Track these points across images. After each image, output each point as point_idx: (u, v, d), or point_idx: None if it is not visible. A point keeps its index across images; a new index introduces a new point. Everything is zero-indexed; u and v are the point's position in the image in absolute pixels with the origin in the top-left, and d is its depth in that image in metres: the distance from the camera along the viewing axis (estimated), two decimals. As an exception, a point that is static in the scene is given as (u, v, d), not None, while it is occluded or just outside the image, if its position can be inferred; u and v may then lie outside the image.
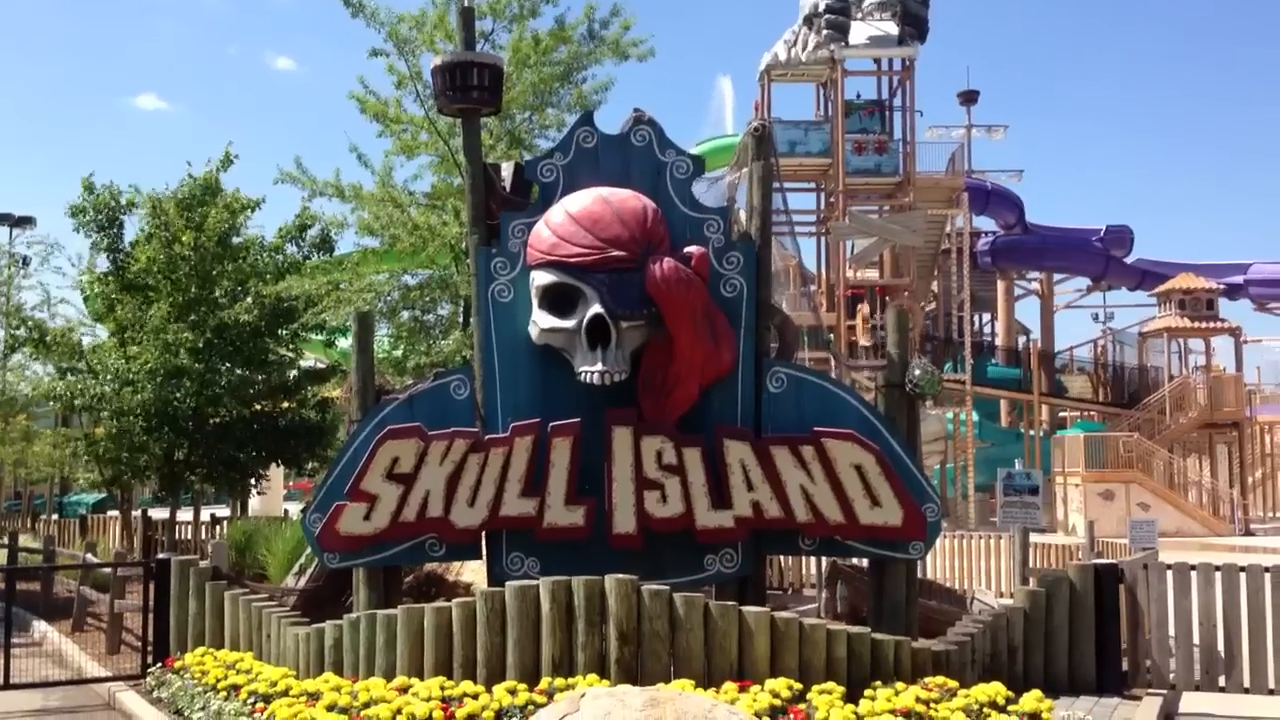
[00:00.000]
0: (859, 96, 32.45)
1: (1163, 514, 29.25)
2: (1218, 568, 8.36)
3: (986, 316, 41.85)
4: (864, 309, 29.96)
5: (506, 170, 9.50)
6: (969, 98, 40.77)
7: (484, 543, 8.65)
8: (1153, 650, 8.38)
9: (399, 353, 15.61)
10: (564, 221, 8.47)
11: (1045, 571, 8.61)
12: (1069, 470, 30.10)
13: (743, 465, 8.34)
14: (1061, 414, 37.30)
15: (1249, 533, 29.94)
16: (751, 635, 6.86)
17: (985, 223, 38.28)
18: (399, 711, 6.12)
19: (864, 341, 29.84)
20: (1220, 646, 8.28)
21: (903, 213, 30.51)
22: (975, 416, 36.01)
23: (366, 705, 6.31)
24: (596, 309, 8.19)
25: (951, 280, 34.79)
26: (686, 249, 8.46)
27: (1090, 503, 28.93)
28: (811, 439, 8.34)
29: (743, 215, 9.35)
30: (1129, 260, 36.06)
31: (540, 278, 8.46)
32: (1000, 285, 38.34)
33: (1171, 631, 8.37)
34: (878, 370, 9.02)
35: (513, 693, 6.42)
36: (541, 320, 8.47)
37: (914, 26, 30.55)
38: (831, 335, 29.60)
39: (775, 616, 6.94)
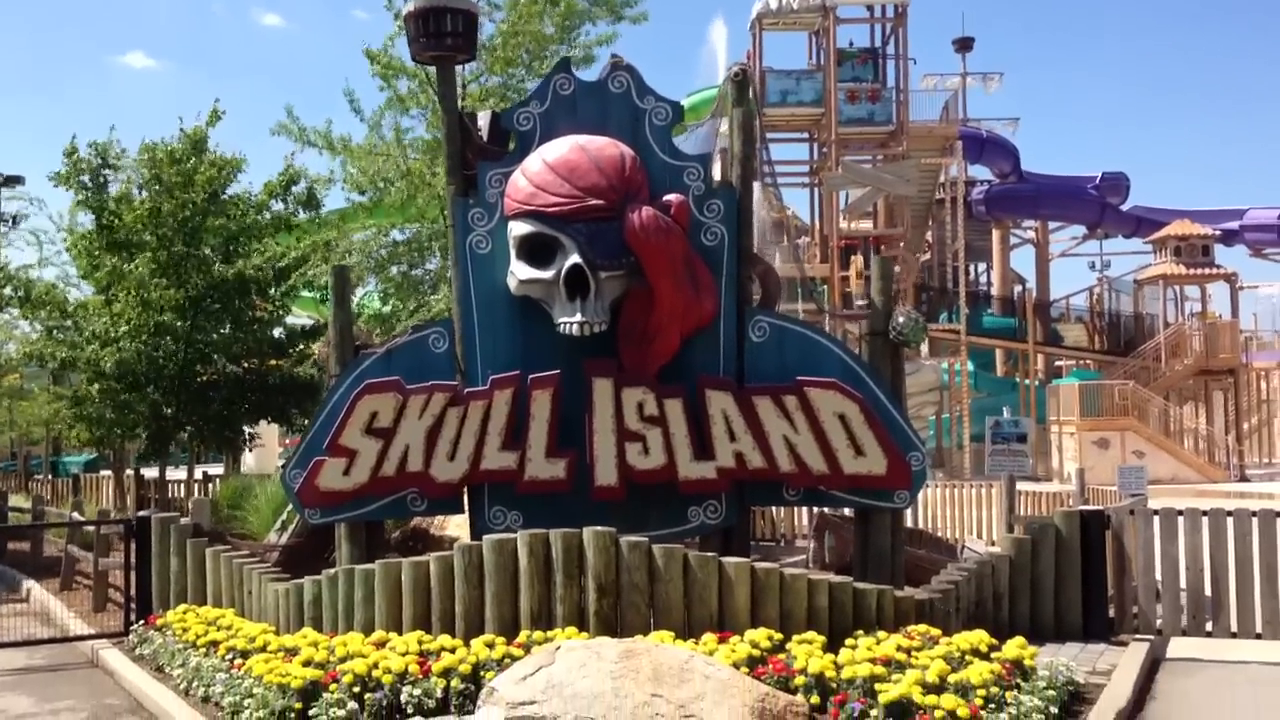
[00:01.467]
0: (851, 44, 32.07)
1: (1158, 461, 29.28)
2: (1204, 513, 8.31)
3: (982, 266, 41.65)
4: (858, 260, 29.78)
5: (483, 119, 9.32)
6: (964, 45, 40.17)
7: (466, 497, 8.60)
8: (1139, 596, 8.35)
9: (388, 309, 15.50)
10: (541, 171, 8.33)
11: (1032, 519, 8.57)
12: (1064, 419, 30.08)
13: (725, 415, 8.26)
14: (1057, 363, 37.23)
15: (1244, 479, 29.97)
16: (732, 586, 6.81)
17: (981, 172, 38.00)
18: (375, 665, 6.08)
19: (858, 292, 29.67)
20: (1207, 591, 8.25)
21: (896, 162, 30.29)
22: (970, 366, 35.93)
23: (343, 660, 6.26)
24: (575, 259, 8.08)
25: (946, 230, 34.61)
26: (666, 197, 8.33)
27: (1085, 451, 28.94)
28: (794, 388, 8.26)
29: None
30: (1124, 208, 35.82)
31: (518, 228, 8.34)
32: (995, 234, 38.12)
33: (1158, 577, 8.34)
34: (865, 319, 8.92)
35: (490, 646, 6.37)
36: (519, 271, 8.35)
37: (907, -29, 30.08)
38: (825, 286, 29.47)
39: (755, 567, 6.88)
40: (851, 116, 30.61)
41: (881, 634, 6.72)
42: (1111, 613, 8.37)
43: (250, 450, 19.57)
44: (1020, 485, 15.43)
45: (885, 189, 30.34)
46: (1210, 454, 30.65)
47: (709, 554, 6.96)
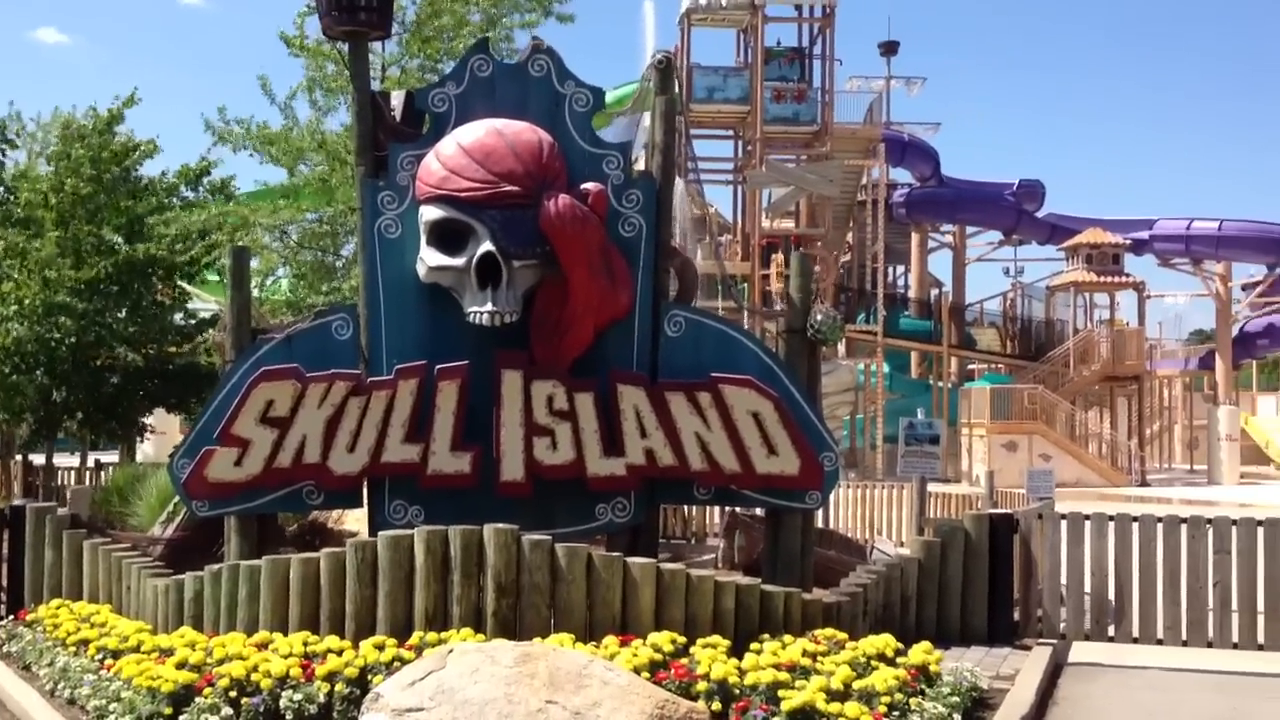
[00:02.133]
0: (779, 43, 32.14)
1: (1063, 465, 29.90)
2: (1111, 517, 8.34)
3: (901, 269, 42.12)
4: (779, 259, 29.82)
5: (397, 99, 9.01)
6: (889, 49, 40.70)
7: (366, 490, 8.28)
8: (1044, 600, 8.35)
9: (298, 295, 15.05)
10: (455, 154, 8.05)
11: (942, 521, 8.54)
12: (975, 422, 30.53)
13: (636, 411, 8.08)
14: (970, 366, 37.83)
15: (1145, 483, 30.74)
16: (636, 587, 6.60)
17: (902, 175, 38.42)
18: (255, 668, 5.74)
19: (778, 291, 29.72)
20: (1111, 596, 8.28)
21: (820, 162, 30.41)
22: (886, 368, 36.35)
23: (221, 662, 5.91)
24: (487, 246, 7.82)
25: (867, 232, 34.87)
26: (584, 185, 8.11)
27: (994, 454, 29.41)
28: (708, 385, 8.09)
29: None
30: (1040, 215, 36.47)
31: (429, 213, 8.04)
32: (915, 237, 38.54)
33: (1064, 581, 8.35)
34: (783, 316, 8.79)
35: (380, 648, 6.07)
36: (429, 258, 8.06)
37: (835, -28, 30.21)
38: (745, 284, 29.50)
39: (661, 568, 6.69)
40: (777, 115, 30.67)
41: (788, 638, 6.58)
42: (1016, 617, 8.36)
43: (145, 439, 18.90)
44: (931, 487, 15.51)
45: (808, 189, 30.44)
46: (1114, 458, 31.38)
47: (614, 554, 6.74)
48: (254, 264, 15.57)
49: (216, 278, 18.10)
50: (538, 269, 7.96)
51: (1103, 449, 31.57)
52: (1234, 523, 8.09)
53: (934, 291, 40.04)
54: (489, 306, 7.84)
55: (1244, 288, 33.98)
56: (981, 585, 8.30)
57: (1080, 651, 8.28)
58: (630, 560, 6.70)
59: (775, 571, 8.29)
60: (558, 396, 8.03)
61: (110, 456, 19.91)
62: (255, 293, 17.52)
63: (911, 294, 38.92)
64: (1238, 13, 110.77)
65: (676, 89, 8.81)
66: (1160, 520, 8.23)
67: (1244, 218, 31.92)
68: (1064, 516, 8.43)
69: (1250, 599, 8.02)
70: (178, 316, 17.16)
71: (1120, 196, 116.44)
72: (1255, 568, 8.02)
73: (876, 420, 32.40)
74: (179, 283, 16.78)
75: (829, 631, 6.80)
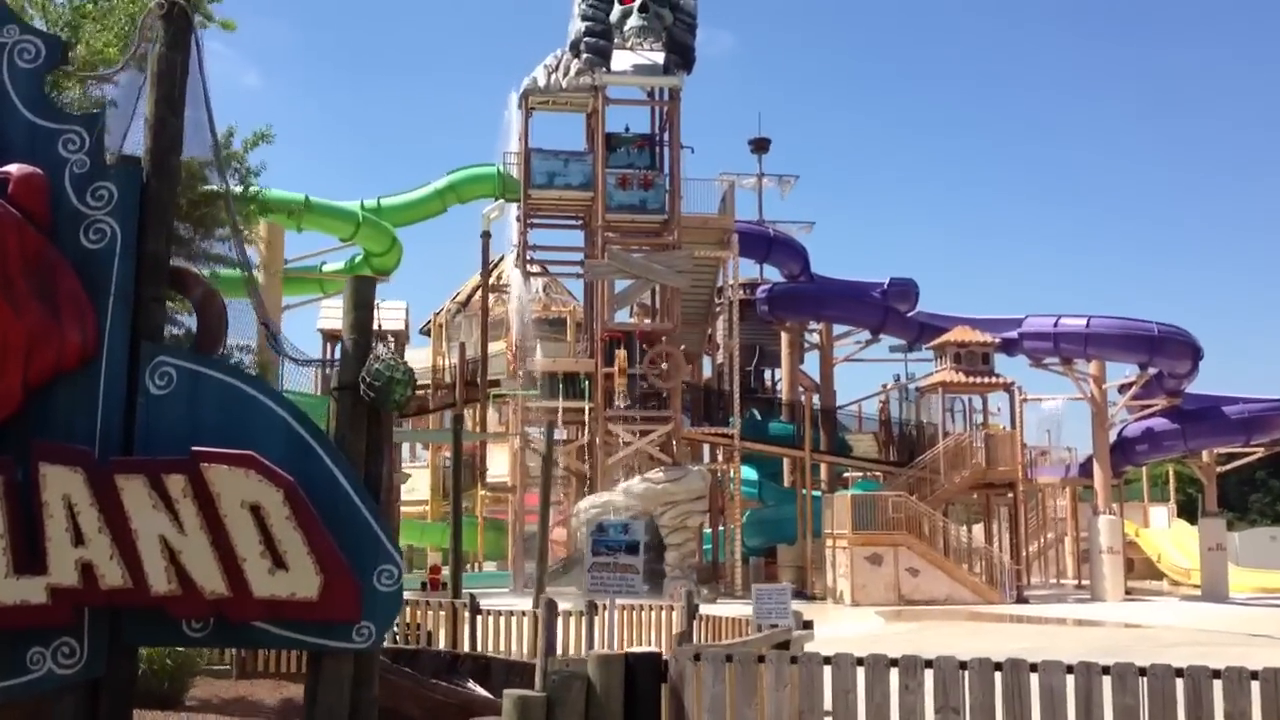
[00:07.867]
0: (628, 130, 30.31)
1: (933, 580, 27.45)
2: (794, 659, 5.68)
3: (779, 372, 39.95)
4: (621, 355, 27.38)
5: None
6: (760, 145, 39.32)
7: None
8: (703, 783, 5.61)
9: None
10: None
11: (562, 665, 5.82)
12: (837, 532, 27.96)
13: (70, 506, 5.28)
14: (845, 474, 35.41)
15: (1022, 600, 28.27)
16: None
17: (773, 273, 36.59)
18: None
19: (619, 389, 27.22)
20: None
21: (667, 252, 28.34)
22: (755, 475, 33.93)
23: None
24: None
25: (731, 329, 32.72)
26: (4, 168, 5.49)
27: (857, 567, 26.81)
28: (186, 465, 5.35)
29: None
30: (910, 314, 34.61)
31: None
32: (785, 338, 36.47)
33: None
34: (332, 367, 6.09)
35: None
36: None
37: (679, 55, 28.62)
38: (588, 381, 26.93)
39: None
40: (622, 203, 28.66)
41: None
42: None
43: None
44: (706, 609, 12.84)
45: (655, 280, 28.33)
46: (991, 574, 28.91)
47: None
48: None
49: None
50: (-78, 288, 5.26)
51: (981, 563, 29.10)
52: (963, 666, 5.46)
53: (815, 395, 37.84)
54: None
55: (1120, 389, 32.19)
56: (609, 762, 5.57)
57: None
58: None
59: (309, 744, 5.50)
60: (-58, 483, 5.24)
61: None
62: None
63: (783, 397, 36.64)
64: (1100, 115, 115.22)
65: (197, 49, 6.23)
66: (860, 662, 5.58)
67: (1112, 314, 30.27)
68: (728, 658, 5.74)
69: (990, 780, 5.36)
70: None
71: (996, 295, 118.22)
72: (995, 733, 5.38)
73: (735, 532, 29.75)
74: None
75: None
